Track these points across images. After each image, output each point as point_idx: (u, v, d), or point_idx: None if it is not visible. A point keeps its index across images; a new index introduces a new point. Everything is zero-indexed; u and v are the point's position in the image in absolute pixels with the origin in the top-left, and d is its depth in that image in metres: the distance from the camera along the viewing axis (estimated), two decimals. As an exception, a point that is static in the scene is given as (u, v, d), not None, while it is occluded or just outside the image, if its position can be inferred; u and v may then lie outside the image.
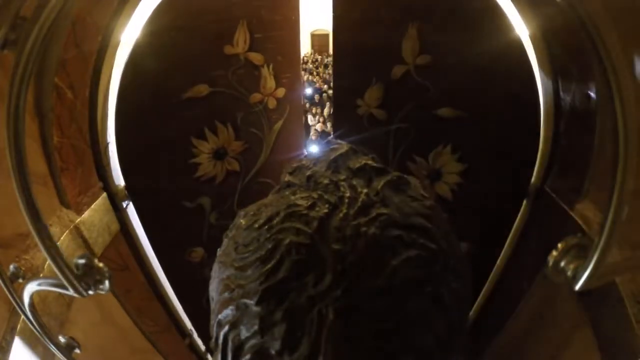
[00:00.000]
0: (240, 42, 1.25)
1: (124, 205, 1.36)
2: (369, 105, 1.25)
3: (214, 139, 1.35)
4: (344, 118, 1.30)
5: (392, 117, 1.27)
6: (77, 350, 0.78)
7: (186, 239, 1.50)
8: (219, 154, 1.37)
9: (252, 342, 0.32)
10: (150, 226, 1.44)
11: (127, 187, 1.36)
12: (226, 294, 0.35)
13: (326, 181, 0.37)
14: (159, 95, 1.27)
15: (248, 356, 0.32)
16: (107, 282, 0.52)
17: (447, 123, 1.25)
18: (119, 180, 1.36)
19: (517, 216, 1.36)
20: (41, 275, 0.83)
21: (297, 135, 1.42)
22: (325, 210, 0.34)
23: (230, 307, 0.34)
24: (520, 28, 1.16)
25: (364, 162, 0.40)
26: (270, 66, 1.29)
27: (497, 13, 1.12)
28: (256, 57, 1.27)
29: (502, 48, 1.14)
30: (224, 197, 1.44)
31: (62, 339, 0.76)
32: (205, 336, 1.78)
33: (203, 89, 1.27)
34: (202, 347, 1.84)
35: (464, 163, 1.31)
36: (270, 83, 1.31)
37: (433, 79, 1.21)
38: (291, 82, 1.33)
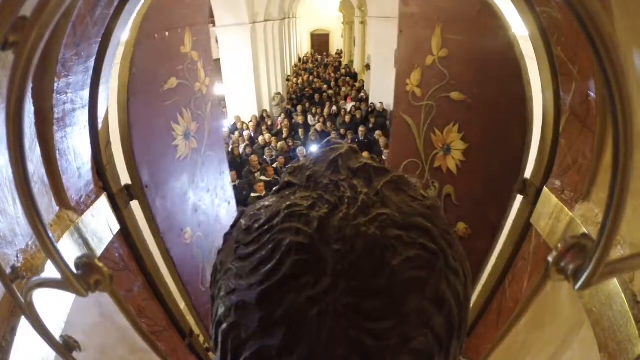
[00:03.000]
0: (188, 43, 1.60)
1: (124, 205, 1.36)
2: (412, 84, 1.59)
3: (183, 122, 1.63)
4: (400, 93, 1.65)
5: (424, 95, 1.57)
6: (77, 350, 0.78)
7: (180, 220, 1.69)
8: (186, 135, 1.66)
9: (252, 342, 0.32)
10: (157, 217, 1.53)
11: (139, 181, 1.42)
12: (226, 294, 0.35)
13: (326, 181, 0.37)
14: (149, 90, 1.47)
15: (247, 356, 0.32)
16: (107, 282, 0.52)
17: (457, 105, 1.48)
18: (119, 180, 1.36)
19: (506, 205, 1.43)
20: (41, 275, 0.83)
21: (219, 115, 1.88)
22: (325, 210, 0.34)
23: (230, 307, 0.34)
24: (520, 28, 1.19)
25: (364, 162, 0.40)
26: (202, 61, 1.66)
27: (496, 17, 1.31)
28: (195, 55, 1.65)
29: (495, 46, 1.32)
30: (193, 173, 1.72)
31: (61, 339, 0.76)
32: (201, 316, 1.88)
33: (174, 81, 1.55)
34: (202, 344, 1.84)
35: (466, 143, 1.51)
36: (202, 74, 1.69)
37: (449, 68, 1.47)
38: (211, 73, 1.75)
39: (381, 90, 12.53)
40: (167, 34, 1.49)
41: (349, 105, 12.59)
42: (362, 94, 14.18)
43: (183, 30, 1.57)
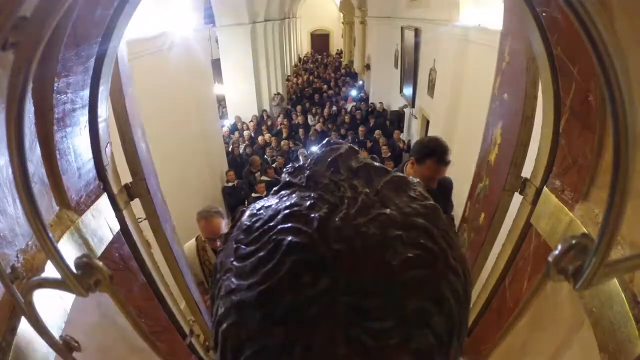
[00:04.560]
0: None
1: (124, 205, 1.36)
2: (494, 87, 1.77)
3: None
4: (492, 95, 1.84)
5: (497, 95, 1.76)
6: (77, 350, 0.78)
7: (167, 216, 1.75)
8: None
9: (252, 342, 0.32)
10: (157, 210, 1.58)
11: (142, 175, 1.46)
12: (226, 294, 0.35)
13: (326, 181, 0.37)
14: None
15: (247, 356, 0.32)
16: (107, 282, 0.52)
17: (503, 104, 1.64)
18: (119, 180, 1.36)
19: (498, 200, 1.50)
20: (41, 275, 0.83)
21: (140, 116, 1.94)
22: (325, 210, 0.34)
23: (230, 307, 0.34)
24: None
25: (364, 162, 0.40)
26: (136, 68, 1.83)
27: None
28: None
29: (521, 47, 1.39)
30: (154, 172, 1.79)
31: (61, 339, 0.76)
32: (191, 309, 1.92)
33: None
34: (203, 343, 1.84)
35: (501, 138, 1.64)
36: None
37: (506, 72, 1.63)
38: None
39: (381, 90, 12.54)
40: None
41: (349, 105, 12.60)
42: (362, 94, 14.17)
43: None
